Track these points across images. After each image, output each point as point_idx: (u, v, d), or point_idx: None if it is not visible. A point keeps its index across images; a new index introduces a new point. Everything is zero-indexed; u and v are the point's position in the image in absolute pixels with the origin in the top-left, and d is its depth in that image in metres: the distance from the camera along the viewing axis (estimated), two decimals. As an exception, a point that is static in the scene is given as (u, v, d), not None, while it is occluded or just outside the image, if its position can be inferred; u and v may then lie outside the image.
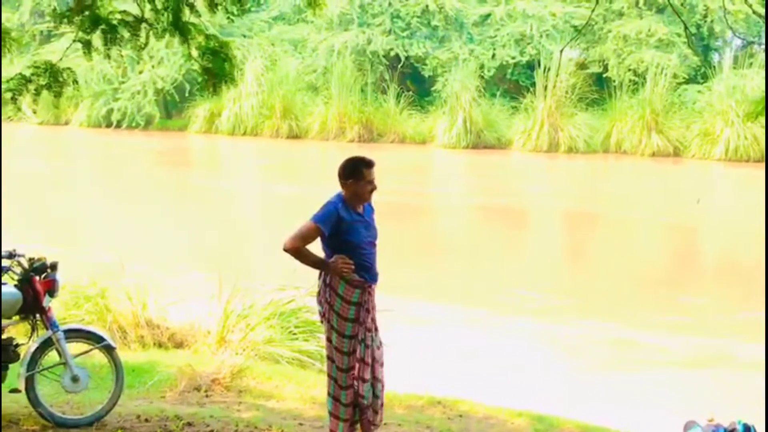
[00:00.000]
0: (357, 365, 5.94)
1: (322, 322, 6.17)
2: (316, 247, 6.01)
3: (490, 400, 8.24)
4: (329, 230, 5.86)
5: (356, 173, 6.00)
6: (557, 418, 7.83)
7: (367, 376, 5.95)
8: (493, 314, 13.31)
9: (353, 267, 5.89)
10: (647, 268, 17.16)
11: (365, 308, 5.95)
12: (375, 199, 6.27)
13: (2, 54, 6.30)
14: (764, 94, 10.75)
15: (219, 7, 6.31)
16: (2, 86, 6.35)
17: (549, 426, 7.54)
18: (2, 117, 8.57)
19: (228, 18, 6.67)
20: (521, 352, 11.47)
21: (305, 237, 5.87)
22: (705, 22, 32.52)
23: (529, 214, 22.55)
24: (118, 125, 35.53)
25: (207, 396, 7.71)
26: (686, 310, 13.77)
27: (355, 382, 5.94)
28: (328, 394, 6.07)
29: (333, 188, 6.13)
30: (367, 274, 5.98)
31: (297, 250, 5.84)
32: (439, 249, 18.49)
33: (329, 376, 6.08)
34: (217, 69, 6.26)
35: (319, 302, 6.09)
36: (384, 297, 6.31)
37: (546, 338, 12.19)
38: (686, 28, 10.29)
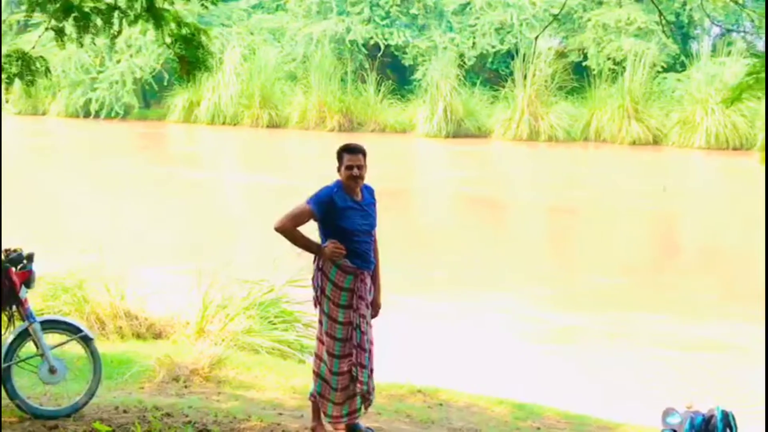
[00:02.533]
0: (354, 352, 5.97)
1: (316, 306, 6.18)
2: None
3: (471, 388, 8.25)
4: (321, 213, 5.92)
5: (339, 158, 6.09)
6: (538, 406, 7.85)
7: (365, 362, 5.97)
8: (474, 303, 13.33)
9: (344, 252, 5.92)
10: (628, 255, 17.22)
11: (358, 295, 5.98)
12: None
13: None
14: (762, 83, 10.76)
15: (194, -6, 6.26)
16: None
17: (529, 413, 7.55)
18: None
19: (203, 5, 6.61)
20: (503, 341, 11.48)
21: (297, 217, 5.94)
22: (684, 10, 32.61)
23: (511, 203, 22.59)
24: (97, 115, 35.28)
25: (186, 387, 7.67)
26: (667, 298, 13.83)
27: (354, 369, 5.97)
28: (318, 375, 6.07)
29: (314, 178, 6.12)
30: (360, 261, 6.02)
31: (287, 229, 5.91)
32: (421, 238, 18.49)
33: (319, 358, 6.08)
34: (190, 56, 6.21)
35: (313, 287, 6.13)
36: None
37: (528, 326, 12.21)
38: (662, 15, 10.31)
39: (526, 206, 22.25)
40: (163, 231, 18.10)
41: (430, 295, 13.52)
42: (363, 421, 6.39)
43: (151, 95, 36.32)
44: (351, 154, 6.05)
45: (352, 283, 5.98)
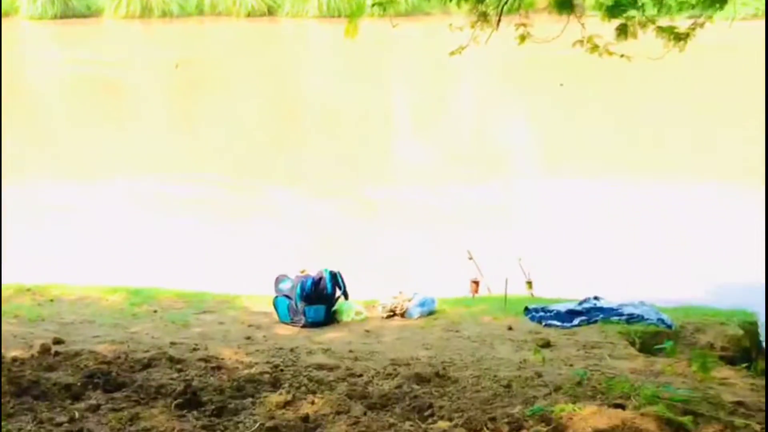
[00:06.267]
0: None
1: None
2: None
3: (83, 281, 7.98)
4: None
5: None
6: (155, 289, 7.75)
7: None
8: (91, 188, 12.88)
9: None
10: (257, 126, 17.33)
11: None
12: None
13: None
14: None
15: None
16: None
17: (146, 298, 7.43)
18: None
19: None
20: (120, 228, 11.19)
21: None
22: None
23: (126, 83, 21.85)
24: None
25: None
26: (292, 172, 14.10)
27: None
28: None
29: None
30: None
31: None
32: (36, 124, 17.44)
33: None
34: None
35: None
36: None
37: (144, 209, 11.99)
38: None
39: (143, 86, 21.64)
40: None
41: (36, 185, 12.83)
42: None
43: None
44: None
45: None
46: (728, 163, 13.35)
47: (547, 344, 5.72)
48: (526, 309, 6.83)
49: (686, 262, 9.34)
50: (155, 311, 6.96)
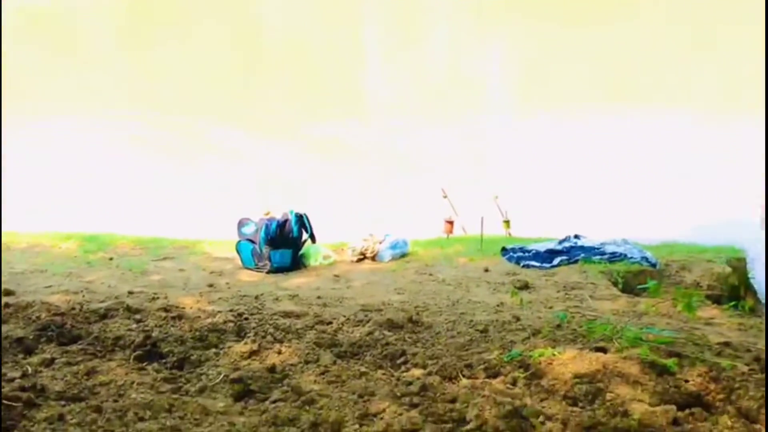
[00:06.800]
0: None
1: None
2: None
3: (35, 228, 7.75)
4: None
5: None
6: (110, 235, 7.57)
7: None
8: (40, 125, 12.54)
9: None
10: (214, 63, 16.93)
11: None
12: None
13: None
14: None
15: None
16: None
17: (101, 244, 7.24)
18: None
19: None
20: (71, 168, 10.92)
21: None
22: None
23: (72, 17, 21.17)
24: None
25: None
26: (241, 112, 13.82)
27: None
28: None
29: None
30: None
31: None
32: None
33: None
34: None
35: None
36: None
37: (103, 145, 11.71)
38: None
39: (87, 20, 20.99)
40: None
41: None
42: None
43: None
44: None
45: None
46: (711, 96, 13.28)
47: (525, 286, 5.69)
48: (504, 249, 6.76)
49: (671, 198, 9.29)
50: (111, 258, 6.78)
